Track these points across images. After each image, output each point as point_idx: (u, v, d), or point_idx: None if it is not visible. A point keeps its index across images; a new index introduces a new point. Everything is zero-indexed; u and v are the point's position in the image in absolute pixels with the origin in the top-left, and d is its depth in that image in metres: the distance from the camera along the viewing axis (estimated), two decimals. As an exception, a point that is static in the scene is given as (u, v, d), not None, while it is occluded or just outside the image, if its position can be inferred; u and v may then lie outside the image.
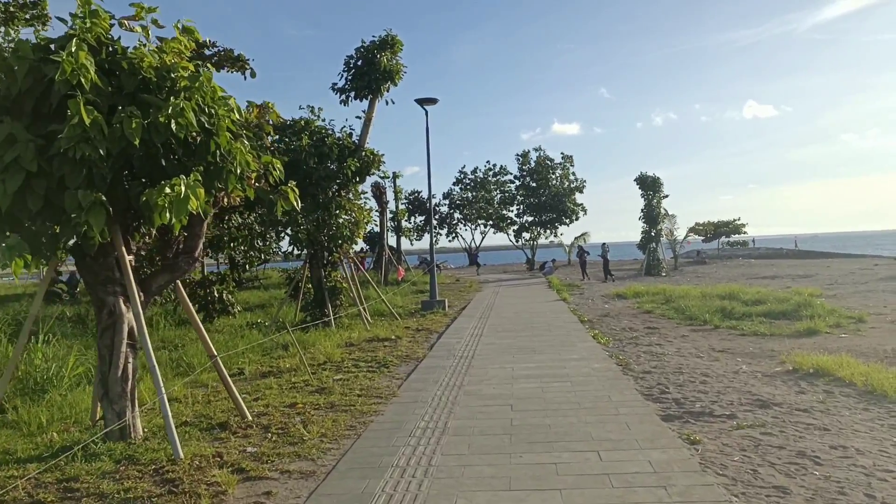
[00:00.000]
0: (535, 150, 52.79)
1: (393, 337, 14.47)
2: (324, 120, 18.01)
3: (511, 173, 55.09)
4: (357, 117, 18.27)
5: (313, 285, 17.90)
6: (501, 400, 8.28)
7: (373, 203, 34.55)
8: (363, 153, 17.86)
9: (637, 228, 41.87)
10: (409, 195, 61.81)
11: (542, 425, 7.04)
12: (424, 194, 62.13)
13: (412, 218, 61.93)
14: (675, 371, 10.32)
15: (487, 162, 59.77)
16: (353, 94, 18.24)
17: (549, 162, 51.17)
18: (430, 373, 10.31)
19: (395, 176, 39.12)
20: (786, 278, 33.60)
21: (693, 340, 14.18)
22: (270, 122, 9.16)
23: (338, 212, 17.10)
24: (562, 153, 52.59)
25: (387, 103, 18.59)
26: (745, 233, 52.94)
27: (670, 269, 42.78)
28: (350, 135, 18.16)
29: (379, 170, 18.43)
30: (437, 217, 62.28)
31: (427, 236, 63.08)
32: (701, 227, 51.25)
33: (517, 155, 53.50)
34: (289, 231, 16.66)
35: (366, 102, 18.35)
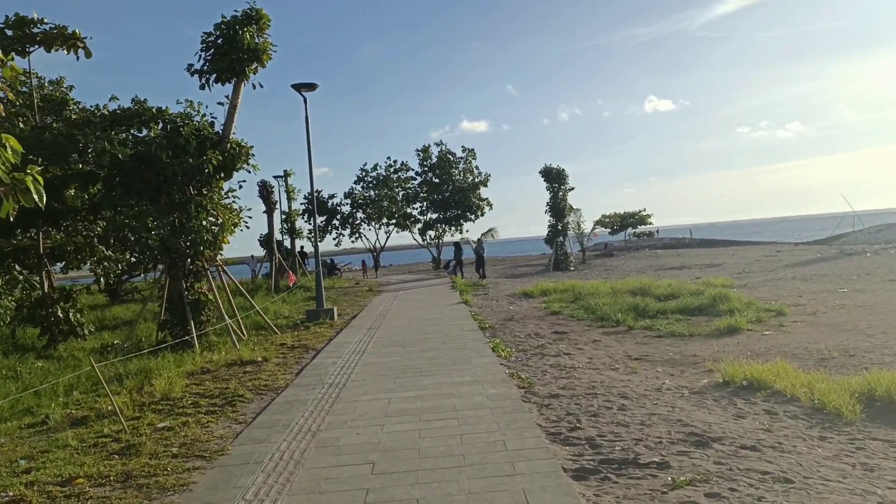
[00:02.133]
0: (437, 144, 50.88)
1: (259, 359, 12.16)
2: (196, 110, 15.46)
3: (413, 169, 53.05)
4: (219, 104, 15.79)
5: (173, 299, 15.35)
6: (363, 455, 6.18)
7: (250, 203, 31.93)
8: (228, 145, 15.43)
9: (545, 223, 40.64)
10: (309, 195, 58.96)
11: (409, 501, 4.99)
12: (327, 193, 59.44)
13: (311, 219, 59.14)
14: (587, 392, 8.48)
15: (388, 158, 57.35)
16: (213, 76, 15.73)
17: (450, 156, 49.34)
18: (284, 412, 8.11)
19: (287, 174, 36.37)
20: (693, 268, 32.94)
21: (606, 346, 12.49)
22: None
23: (198, 213, 14.61)
24: (463, 146, 50.70)
25: (254, 87, 16.17)
26: (650, 224, 52.68)
27: (578, 262, 41.76)
28: (212, 124, 15.69)
29: (248, 164, 16.01)
30: (339, 217, 59.69)
31: (329, 238, 60.51)
32: (607, 220, 50.57)
33: (418, 150, 51.41)
34: (141, 236, 14.03)
35: (230, 87, 15.88)
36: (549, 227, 40.16)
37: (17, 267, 16.80)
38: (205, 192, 15.14)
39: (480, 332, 14.21)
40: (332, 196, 59.48)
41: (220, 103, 15.73)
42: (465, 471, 5.53)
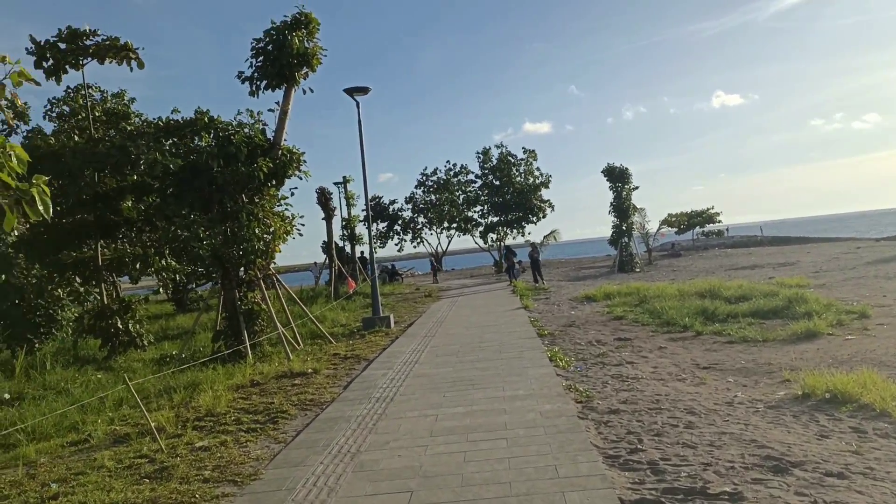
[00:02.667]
0: (497, 146, 50.27)
1: (309, 370, 11.84)
2: (255, 118, 15.40)
3: (473, 172, 52.58)
4: (270, 110, 15.61)
5: (227, 309, 15.22)
6: (401, 481, 5.70)
7: (309, 210, 31.85)
8: (279, 152, 15.24)
9: (609, 224, 39.61)
10: (370, 200, 59.06)
11: (445, 538, 4.48)
12: (388, 199, 59.51)
13: (373, 225, 59.23)
14: (650, 407, 7.82)
15: (447, 162, 57.04)
16: (263, 83, 15.57)
17: (511, 158, 48.65)
18: (325, 430, 7.71)
19: (346, 181, 36.31)
20: (766, 268, 31.49)
21: (672, 353, 11.74)
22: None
23: (250, 222, 14.43)
24: (524, 148, 50.13)
25: (304, 92, 15.94)
26: (719, 222, 50.84)
27: (644, 264, 40.53)
28: (263, 131, 15.52)
29: (299, 171, 15.79)
30: (400, 222, 59.65)
31: (391, 243, 60.54)
32: (674, 219, 49.02)
33: (478, 153, 50.90)
34: (192, 246, 13.91)
35: (280, 93, 15.70)
36: (612, 227, 39.14)
37: (77, 279, 16.97)
38: (256, 201, 14.96)
39: (539, 339, 13.61)
40: (392, 201, 59.54)
41: (270, 110, 15.56)
42: (510, 502, 4.99)
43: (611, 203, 39.27)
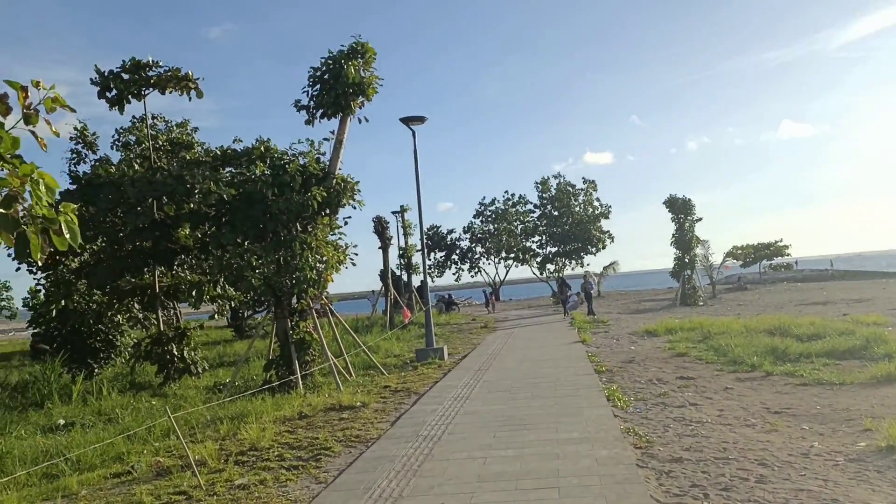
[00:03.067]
0: (555, 177, 49.83)
1: (358, 404, 11.55)
2: (316, 149, 15.45)
3: (531, 202, 52.18)
4: (325, 139, 15.59)
5: (279, 338, 15.11)
6: (443, 533, 5.30)
7: (366, 239, 31.89)
8: (333, 181, 15.16)
9: (671, 256, 38.58)
10: (428, 230, 59.18)
11: None
12: (447, 228, 59.50)
13: (431, 254, 59.21)
14: (717, 455, 7.24)
15: (506, 192, 56.68)
16: (319, 112, 15.58)
17: (570, 188, 48.10)
18: (369, 470, 7.36)
19: (403, 210, 36.36)
20: (839, 304, 30.04)
21: (739, 395, 11.04)
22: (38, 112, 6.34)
23: (303, 251, 14.32)
24: (583, 178, 49.46)
25: (360, 121, 15.89)
26: (787, 255, 49.06)
27: (708, 297, 39.25)
28: (318, 160, 15.49)
29: (353, 200, 15.68)
30: (458, 252, 59.52)
31: (449, 273, 60.37)
32: (740, 251, 47.54)
33: (536, 183, 50.54)
34: (244, 275, 13.85)
35: (336, 122, 15.67)
36: (674, 259, 38.09)
37: (136, 305, 17.16)
38: (310, 230, 14.87)
39: (596, 375, 13.05)
40: (451, 231, 59.58)
41: (325, 139, 15.55)
42: (561, 564, 4.54)
43: (673, 234, 38.27)
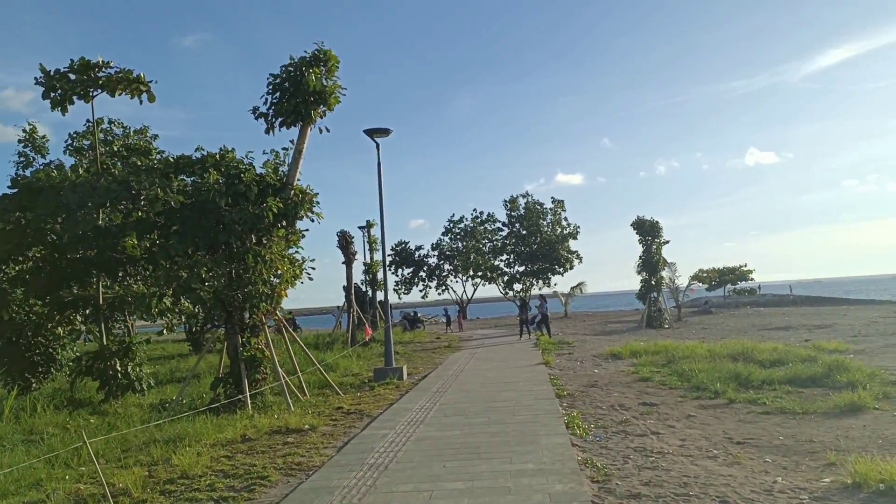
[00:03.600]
0: (524, 195, 49.66)
1: (306, 426, 10.96)
2: (281, 160, 14.95)
3: (500, 221, 51.94)
4: (284, 149, 15.05)
5: (228, 355, 14.47)
6: (375, 580, 4.77)
7: (330, 254, 31.23)
8: (291, 192, 14.61)
9: (638, 278, 38.52)
10: (396, 246, 58.68)
11: None
12: (414, 245, 58.96)
13: (398, 270, 58.69)
14: (677, 492, 6.80)
15: (474, 210, 56.42)
16: (278, 120, 15.05)
17: (538, 207, 47.96)
18: (305, 503, 6.80)
19: (369, 225, 35.79)
20: (801, 329, 30.07)
21: (702, 424, 10.67)
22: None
23: (256, 264, 13.72)
24: (552, 198, 49.57)
25: (321, 131, 15.40)
26: (751, 279, 49.43)
27: (673, 320, 39.20)
28: (276, 170, 14.95)
29: (311, 212, 15.14)
30: (426, 269, 59.04)
31: (416, 290, 59.78)
32: (705, 275, 47.74)
33: (505, 200, 50.40)
34: (192, 288, 13.18)
35: (295, 131, 15.15)
36: (641, 281, 38.05)
37: (78, 318, 16.35)
38: (264, 242, 14.28)
39: (557, 400, 12.61)
40: (419, 247, 59.12)
41: (284, 149, 15.01)
42: None
43: (640, 256, 38.29)
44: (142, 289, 15.81)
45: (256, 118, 15.11)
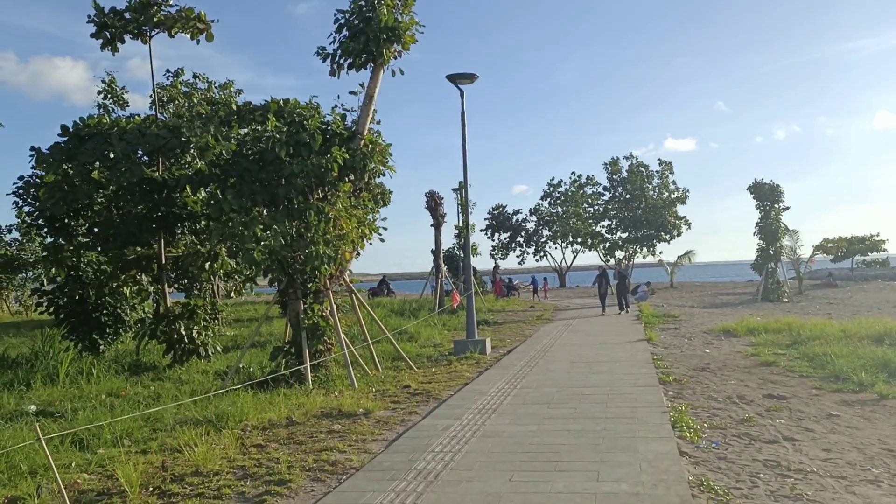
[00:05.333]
0: (626, 157, 46.45)
1: (360, 411, 9.40)
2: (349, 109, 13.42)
3: (601, 184, 49.03)
4: (352, 93, 13.41)
5: (290, 323, 13.14)
6: None
7: (421, 216, 29.67)
8: (360, 142, 13.01)
9: (753, 247, 35.15)
10: (493, 209, 56.83)
11: None
12: (512, 208, 56.94)
13: (495, 235, 56.90)
14: (835, 542, 4.78)
15: (573, 173, 53.51)
16: (346, 61, 13.41)
17: (643, 170, 44.79)
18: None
19: (461, 186, 34.06)
20: (949, 307, 26.38)
21: (849, 428, 8.42)
22: None
23: (319, 222, 12.21)
24: (659, 159, 46.17)
25: (394, 74, 13.67)
26: (884, 250, 44.70)
27: (793, 293, 35.68)
28: (344, 117, 13.38)
29: (385, 164, 13.54)
30: (524, 234, 56.97)
31: (513, 255, 57.86)
32: (831, 245, 43.46)
33: (605, 163, 47.34)
34: (245, 248, 11.84)
35: (366, 74, 13.50)
36: (757, 250, 34.69)
37: (143, 277, 15.44)
38: (329, 198, 12.77)
39: (660, 387, 10.57)
40: (517, 212, 57.02)
41: (353, 92, 13.37)
42: None
43: (757, 223, 34.84)
44: (202, 249, 14.68)
45: (323, 59, 13.51)
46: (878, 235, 43.59)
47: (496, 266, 45.23)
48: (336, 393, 11.24)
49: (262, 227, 11.85)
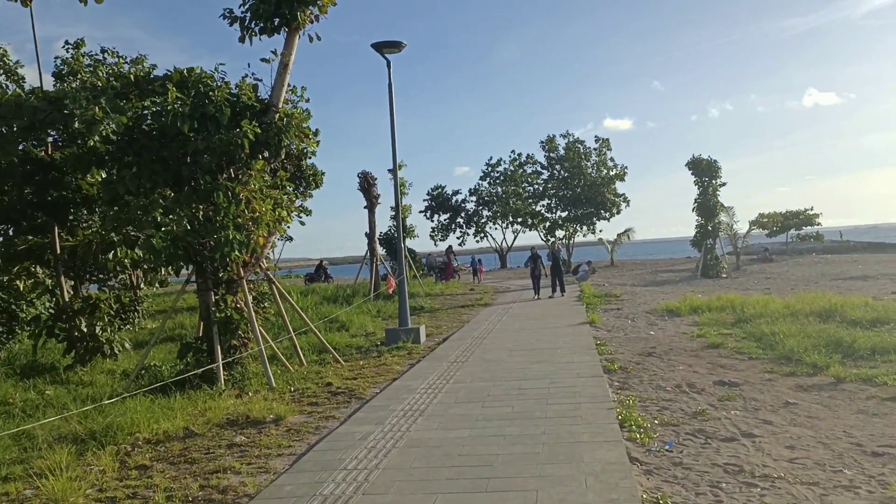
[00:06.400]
0: (563, 135, 45.78)
1: (269, 418, 8.27)
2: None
3: (539, 163, 48.34)
4: (263, 60, 12.10)
5: (201, 317, 11.86)
6: None
7: (354, 199, 28.34)
8: (275, 115, 11.76)
9: (692, 224, 34.98)
10: (432, 190, 55.72)
11: None
12: (452, 189, 55.91)
13: (434, 216, 55.84)
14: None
15: (512, 152, 52.75)
16: (258, 25, 12.09)
17: (580, 147, 44.23)
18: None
19: (399, 167, 32.81)
20: (882, 279, 26.50)
21: (810, 418, 7.69)
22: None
23: (229, 204, 10.94)
24: (596, 136, 45.73)
25: (311, 39, 12.44)
26: (818, 224, 45.24)
27: (731, 269, 35.70)
28: (256, 87, 12.08)
29: (305, 140, 12.35)
30: (463, 215, 56.06)
31: (453, 237, 56.90)
32: (766, 220, 43.75)
33: (541, 142, 46.62)
34: (143, 235, 10.53)
35: (280, 40, 12.22)
36: (696, 227, 34.55)
37: (39, 269, 13.90)
38: (240, 178, 11.51)
39: (605, 377, 9.73)
40: (456, 192, 56.04)
41: (265, 60, 12.07)
42: None
43: (695, 199, 34.70)
44: (97, 237, 13.22)
45: (231, 23, 12.17)
46: (811, 209, 44.06)
47: (450, 248, 44.18)
48: (250, 394, 10.09)
49: (162, 211, 10.54)
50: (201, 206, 11.16)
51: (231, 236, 10.79)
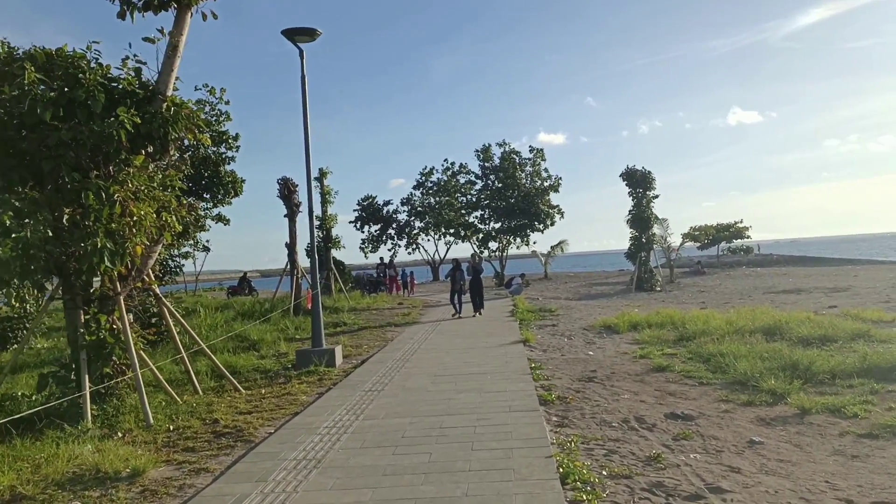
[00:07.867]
0: (499, 144, 44.81)
1: (125, 473, 6.58)
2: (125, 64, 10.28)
3: (474, 172, 47.28)
4: (146, 39, 10.38)
5: (69, 339, 10.02)
6: None
7: (275, 207, 26.48)
8: (162, 104, 10.07)
9: (624, 237, 34.36)
10: (363, 200, 54.04)
11: None
12: (382, 200, 54.35)
13: (365, 227, 54.15)
14: None
15: (445, 160, 51.65)
16: (141, 1, 10.40)
17: (515, 157, 43.29)
18: None
19: (323, 174, 31.16)
20: (815, 292, 26.16)
21: (783, 462, 6.45)
22: None
23: (100, 207, 9.17)
24: (530, 146, 45.01)
25: (205, 17, 10.78)
26: (748, 237, 45.42)
27: (665, 281, 35.19)
28: (138, 71, 10.36)
29: (195, 133, 10.66)
30: (395, 226, 54.55)
31: (384, 248, 55.28)
32: (698, 233, 43.63)
33: (477, 150, 45.52)
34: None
35: (169, 17, 10.54)
36: (631, 239, 33.92)
37: None
38: (115, 174, 9.75)
39: (542, 410, 8.36)
40: (387, 202, 54.54)
41: (148, 39, 10.35)
42: None
43: (630, 211, 34.08)
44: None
45: (112, 0, 10.43)
46: (741, 222, 44.17)
47: (391, 260, 42.58)
48: (120, 434, 8.36)
49: (9, 215, 8.72)
50: (67, 209, 9.39)
51: (101, 244, 9.04)
